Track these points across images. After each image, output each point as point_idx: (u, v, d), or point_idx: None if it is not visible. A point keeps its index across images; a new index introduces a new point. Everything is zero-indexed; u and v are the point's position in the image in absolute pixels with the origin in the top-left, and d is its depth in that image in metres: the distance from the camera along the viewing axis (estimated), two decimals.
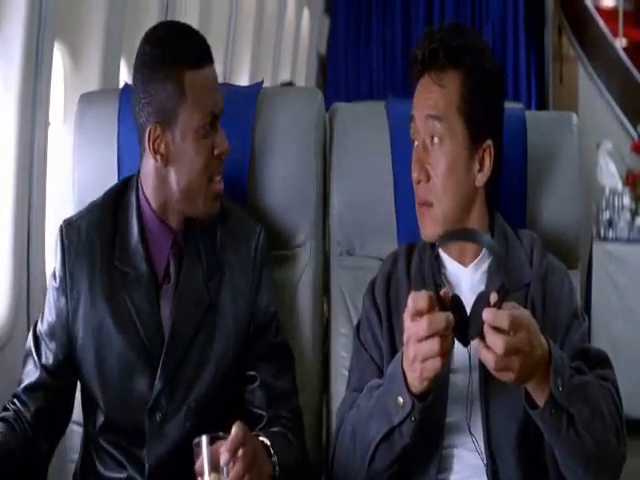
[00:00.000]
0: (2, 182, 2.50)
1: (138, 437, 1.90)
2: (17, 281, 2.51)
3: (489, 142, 1.88)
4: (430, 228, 1.88)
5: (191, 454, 1.59)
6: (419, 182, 1.87)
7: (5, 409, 1.95)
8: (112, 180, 2.18)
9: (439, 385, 1.74)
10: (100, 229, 1.97)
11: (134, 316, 1.91)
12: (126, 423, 1.91)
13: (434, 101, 1.85)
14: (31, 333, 2.00)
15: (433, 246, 1.93)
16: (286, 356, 2.01)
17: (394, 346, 1.89)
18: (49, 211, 2.78)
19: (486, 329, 1.55)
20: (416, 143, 1.89)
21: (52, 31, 2.61)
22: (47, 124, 2.68)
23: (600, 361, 1.81)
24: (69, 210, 2.28)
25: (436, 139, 1.85)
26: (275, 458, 1.72)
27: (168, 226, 1.95)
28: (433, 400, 1.69)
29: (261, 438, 1.74)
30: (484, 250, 1.89)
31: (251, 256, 1.99)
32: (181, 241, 1.95)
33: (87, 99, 2.31)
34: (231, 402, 1.95)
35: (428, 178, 1.86)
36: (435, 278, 1.89)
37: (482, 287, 1.85)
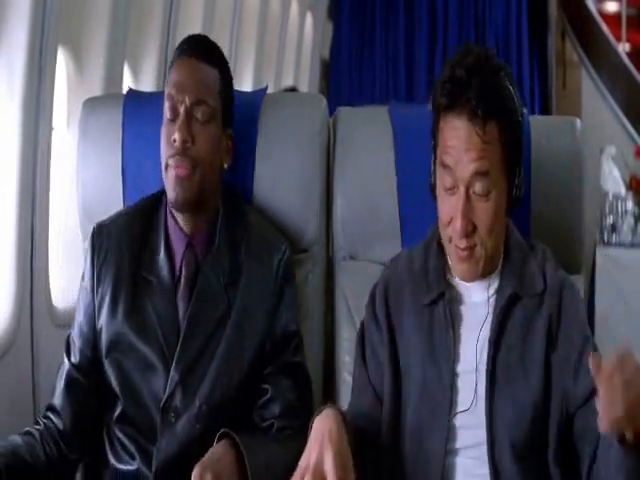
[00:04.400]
0: (6, 187, 2.50)
1: (151, 433, 1.94)
2: (20, 287, 2.51)
3: (521, 175, 1.85)
4: (473, 269, 1.82)
5: None
6: (465, 233, 1.78)
7: (36, 422, 2.00)
8: (117, 184, 2.19)
9: (444, 385, 1.80)
10: (129, 236, 2.03)
11: (153, 318, 1.97)
12: (140, 418, 1.96)
13: (480, 157, 1.76)
14: (63, 350, 2.04)
15: (440, 248, 1.92)
16: (302, 375, 2.03)
17: (395, 356, 1.89)
18: (54, 216, 2.79)
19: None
20: (459, 190, 1.78)
21: (55, 36, 2.61)
22: (50, 129, 2.69)
23: None
24: (74, 215, 2.29)
25: (481, 192, 1.78)
26: (248, 465, 1.75)
27: (181, 229, 2.00)
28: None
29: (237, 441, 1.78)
30: (498, 270, 1.88)
31: (273, 269, 2.01)
32: (196, 244, 2.00)
33: (91, 104, 2.31)
34: (243, 409, 1.97)
35: (474, 228, 1.79)
36: (440, 283, 1.88)
37: (493, 299, 1.86)
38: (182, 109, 1.96)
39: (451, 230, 1.80)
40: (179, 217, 2.01)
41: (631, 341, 4.53)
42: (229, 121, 2.06)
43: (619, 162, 5.50)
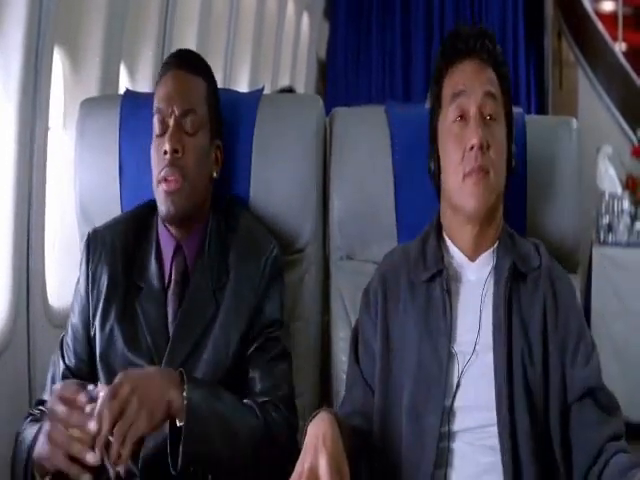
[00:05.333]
0: (2, 186, 2.50)
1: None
2: (17, 287, 2.51)
3: (513, 145, 1.96)
4: (486, 196, 1.87)
5: None
6: (481, 147, 1.86)
7: (30, 414, 1.99)
8: (114, 185, 2.19)
9: (440, 362, 1.82)
10: (123, 242, 2.05)
11: (143, 324, 1.98)
12: None
13: (491, 81, 1.93)
14: (56, 351, 2.05)
15: (438, 233, 1.95)
16: (281, 356, 2.01)
17: (388, 344, 1.90)
18: (50, 216, 2.79)
19: None
20: (470, 116, 1.88)
21: (52, 35, 2.61)
22: (47, 129, 2.69)
23: (610, 408, 1.82)
24: (71, 216, 2.29)
25: (490, 117, 1.89)
26: (186, 393, 1.75)
27: (171, 234, 2.02)
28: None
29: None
30: (495, 247, 1.92)
31: (260, 268, 2.02)
32: (186, 249, 2.01)
33: (88, 105, 2.31)
34: None
35: (488, 146, 1.87)
36: (438, 262, 1.90)
37: (491, 281, 1.88)
38: (172, 120, 1.98)
39: (467, 154, 1.86)
40: (171, 227, 2.03)
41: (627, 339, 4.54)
42: (218, 132, 2.08)
43: (615, 161, 5.51)
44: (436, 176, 1.95)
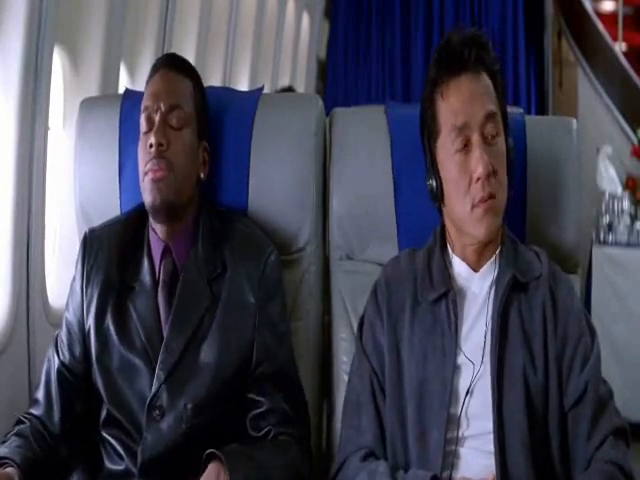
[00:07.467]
0: (2, 186, 2.50)
1: (137, 433, 1.95)
2: (17, 286, 2.51)
3: (510, 140, 1.95)
4: (493, 222, 1.87)
5: None
6: (488, 176, 1.85)
7: (20, 421, 2.00)
8: (114, 185, 2.19)
9: (445, 376, 1.83)
10: (119, 243, 2.06)
11: (136, 321, 1.98)
12: (126, 420, 1.97)
13: (488, 94, 1.89)
14: (51, 347, 2.06)
15: (443, 247, 1.95)
16: (295, 384, 2.03)
17: (397, 351, 1.91)
18: (50, 216, 2.78)
19: None
20: (473, 143, 1.86)
21: (52, 35, 2.61)
22: (47, 128, 2.69)
23: (600, 409, 1.83)
24: (71, 216, 2.29)
25: (492, 137, 1.88)
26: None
27: (158, 236, 2.03)
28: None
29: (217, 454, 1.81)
30: (497, 254, 1.92)
31: (260, 266, 2.02)
32: (174, 250, 2.02)
33: (88, 104, 2.31)
34: (230, 407, 1.97)
35: (494, 171, 1.86)
36: (445, 281, 1.90)
37: (493, 291, 1.88)
38: (157, 116, 2.00)
39: (474, 185, 1.85)
40: (157, 227, 2.03)
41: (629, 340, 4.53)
42: (204, 133, 2.09)
43: (615, 161, 5.51)
44: (438, 198, 1.92)
